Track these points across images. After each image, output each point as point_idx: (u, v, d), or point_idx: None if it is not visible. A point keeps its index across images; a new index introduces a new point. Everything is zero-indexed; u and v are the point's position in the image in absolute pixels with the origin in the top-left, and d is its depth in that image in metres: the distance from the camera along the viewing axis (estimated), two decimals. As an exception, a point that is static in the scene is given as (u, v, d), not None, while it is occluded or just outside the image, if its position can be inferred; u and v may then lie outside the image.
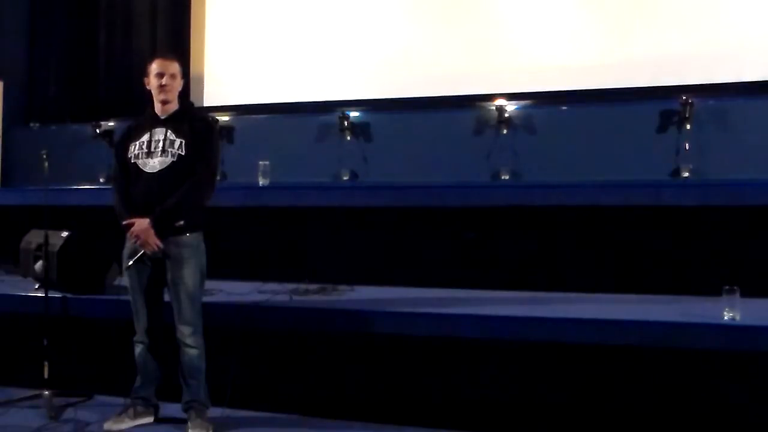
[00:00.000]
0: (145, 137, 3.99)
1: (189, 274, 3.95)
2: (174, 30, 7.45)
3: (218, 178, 4.08)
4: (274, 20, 7.10)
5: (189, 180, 3.90)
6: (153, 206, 3.88)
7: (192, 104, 4.40)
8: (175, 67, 4.05)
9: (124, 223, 3.95)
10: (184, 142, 3.94)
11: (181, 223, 3.91)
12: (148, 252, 3.92)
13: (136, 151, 3.99)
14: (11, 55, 7.51)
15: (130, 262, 3.99)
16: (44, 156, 4.52)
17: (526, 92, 6.20)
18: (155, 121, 4.04)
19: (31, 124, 7.43)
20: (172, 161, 3.92)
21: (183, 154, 3.93)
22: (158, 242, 3.88)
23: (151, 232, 3.86)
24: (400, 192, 5.52)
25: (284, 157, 6.13)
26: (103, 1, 7.71)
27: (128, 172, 4.01)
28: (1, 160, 7.18)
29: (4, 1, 7.50)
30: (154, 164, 3.93)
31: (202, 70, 7.33)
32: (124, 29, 7.64)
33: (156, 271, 4.00)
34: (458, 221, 5.30)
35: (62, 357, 4.51)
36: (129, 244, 4.01)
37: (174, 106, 4.07)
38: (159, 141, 3.96)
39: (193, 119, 4.07)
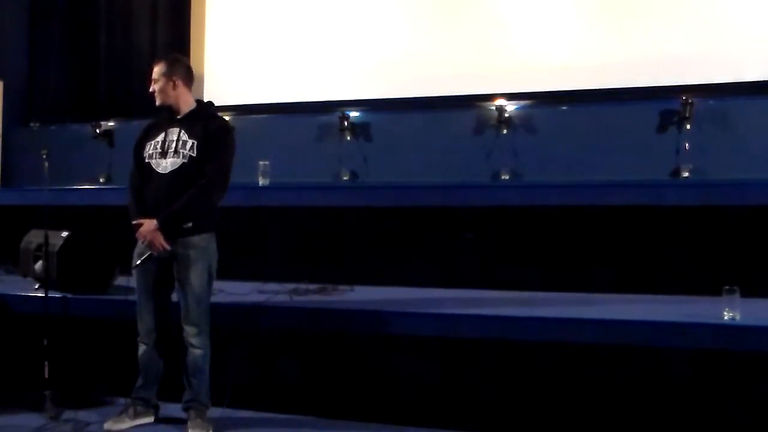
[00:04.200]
0: (161, 137, 3.97)
1: (195, 276, 3.92)
2: (174, 30, 7.45)
3: (230, 179, 4.01)
4: (274, 20, 7.10)
5: (199, 182, 3.86)
6: (163, 207, 3.86)
7: (209, 104, 4.27)
8: (155, 71, 4.02)
9: (133, 222, 3.94)
10: (195, 143, 3.90)
11: (190, 225, 3.87)
12: (154, 253, 3.92)
13: (150, 151, 3.97)
14: (11, 55, 7.51)
15: (138, 262, 3.99)
16: (44, 156, 4.51)
17: (526, 92, 6.20)
18: (171, 121, 4.01)
19: (31, 124, 7.44)
20: (183, 162, 3.88)
21: (194, 155, 3.88)
22: (164, 243, 3.86)
23: (158, 233, 3.84)
24: (400, 192, 5.53)
25: (284, 157, 6.13)
26: (103, 1, 7.71)
27: (143, 171, 4.00)
28: (1, 160, 7.18)
29: (4, 1, 7.49)
30: (166, 165, 3.90)
31: (202, 70, 7.32)
32: (124, 29, 7.63)
33: (164, 271, 3.98)
34: (458, 221, 5.30)
35: (62, 357, 4.51)
36: (139, 244, 4.00)
37: (190, 105, 4.05)
38: (172, 141, 3.93)
39: (207, 119, 4.02)
